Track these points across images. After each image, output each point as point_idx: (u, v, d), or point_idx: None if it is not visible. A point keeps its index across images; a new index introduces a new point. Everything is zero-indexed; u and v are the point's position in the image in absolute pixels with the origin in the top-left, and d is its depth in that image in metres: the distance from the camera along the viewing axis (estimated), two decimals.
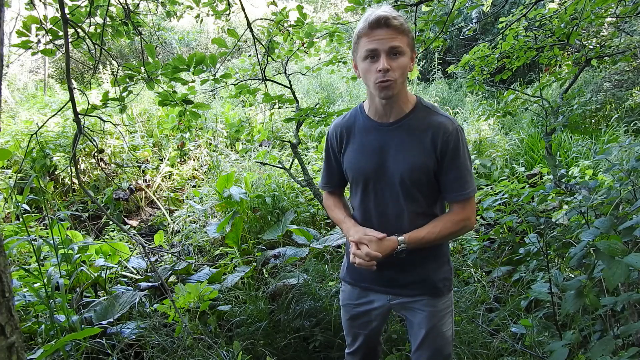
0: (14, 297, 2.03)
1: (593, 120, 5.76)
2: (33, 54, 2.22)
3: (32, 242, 2.45)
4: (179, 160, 5.73)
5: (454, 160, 1.29)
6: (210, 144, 5.98)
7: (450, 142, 1.27)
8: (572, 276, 2.29)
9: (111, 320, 2.30)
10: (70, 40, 1.84)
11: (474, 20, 7.36)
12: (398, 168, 1.31)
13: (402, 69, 1.22)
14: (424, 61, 9.40)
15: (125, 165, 5.16)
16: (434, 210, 1.39)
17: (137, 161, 5.38)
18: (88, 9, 2.18)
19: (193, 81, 2.42)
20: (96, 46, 2.14)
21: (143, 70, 2.18)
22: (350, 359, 1.65)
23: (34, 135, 2.05)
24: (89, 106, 2.05)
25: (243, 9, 2.35)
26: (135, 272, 3.15)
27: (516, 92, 3.53)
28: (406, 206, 1.34)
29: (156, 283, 2.63)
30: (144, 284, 2.62)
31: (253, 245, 3.51)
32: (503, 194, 3.14)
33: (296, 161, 2.98)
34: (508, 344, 2.08)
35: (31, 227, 3.77)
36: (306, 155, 5.25)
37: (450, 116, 1.32)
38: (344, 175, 1.49)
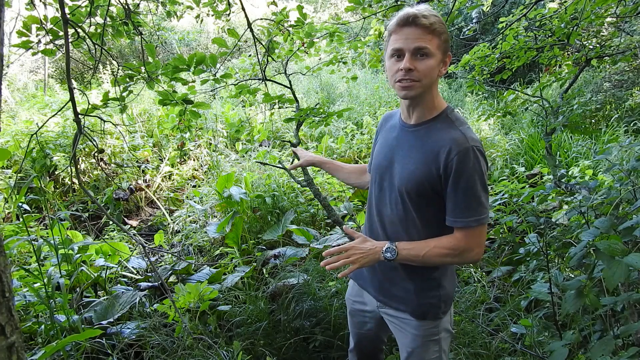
0: (14, 297, 2.03)
1: (593, 120, 5.76)
2: (33, 54, 2.21)
3: (32, 242, 2.45)
4: (179, 160, 5.73)
5: (456, 183, 1.16)
6: (210, 144, 5.98)
7: (454, 161, 1.14)
8: (572, 276, 2.29)
9: (111, 320, 2.30)
10: (70, 40, 1.84)
11: (474, 20, 7.35)
12: (401, 173, 1.26)
13: (427, 71, 1.14)
14: None
15: (125, 165, 5.15)
16: (437, 234, 1.25)
17: (137, 161, 5.38)
18: (88, 9, 2.18)
19: (193, 81, 2.42)
20: (96, 46, 2.14)
21: (143, 70, 2.18)
22: (351, 357, 1.68)
23: (34, 135, 2.05)
24: (89, 106, 2.05)
25: (243, 9, 2.35)
26: (135, 272, 3.14)
27: (516, 92, 3.53)
28: (403, 215, 1.27)
29: (156, 283, 2.63)
30: (144, 284, 2.62)
31: (253, 245, 3.51)
32: (503, 194, 3.15)
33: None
34: (508, 344, 2.08)
35: (31, 227, 3.76)
36: None
37: (470, 134, 1.17)
38: None
